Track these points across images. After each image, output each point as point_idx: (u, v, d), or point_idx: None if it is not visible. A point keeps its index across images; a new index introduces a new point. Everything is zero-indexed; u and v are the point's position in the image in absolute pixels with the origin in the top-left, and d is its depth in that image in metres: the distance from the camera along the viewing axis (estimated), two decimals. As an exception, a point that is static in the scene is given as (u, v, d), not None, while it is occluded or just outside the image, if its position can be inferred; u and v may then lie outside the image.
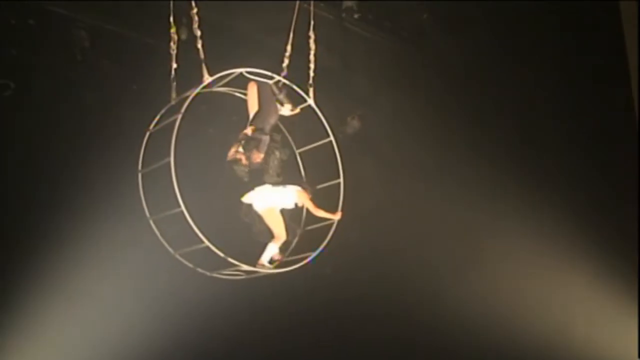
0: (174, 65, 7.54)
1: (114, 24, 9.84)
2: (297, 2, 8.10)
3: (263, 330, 10.73)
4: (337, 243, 8.03)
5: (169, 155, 6.98)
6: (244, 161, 7.55)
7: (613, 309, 10.97)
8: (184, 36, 7.87)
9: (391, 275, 11.33)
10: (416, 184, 11.51)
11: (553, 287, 11.21)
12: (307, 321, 10.98)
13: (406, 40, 11.22)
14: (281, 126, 8.08)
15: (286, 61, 7.85)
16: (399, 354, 11.53)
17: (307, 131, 8.29)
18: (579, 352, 11.01)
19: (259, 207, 7.73)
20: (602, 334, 10.97)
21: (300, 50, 7.98)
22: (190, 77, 7.53)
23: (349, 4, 10.52)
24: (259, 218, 7.77)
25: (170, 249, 7.61)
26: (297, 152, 8.36)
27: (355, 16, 10.69)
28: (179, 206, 7.00)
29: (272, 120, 7.76)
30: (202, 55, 7.41)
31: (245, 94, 7.91)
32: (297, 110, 7.97)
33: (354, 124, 11.24)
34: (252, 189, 7.74)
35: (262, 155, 7.58)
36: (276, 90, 7.79)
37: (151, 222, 7.66)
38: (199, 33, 7.46)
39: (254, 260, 7.75)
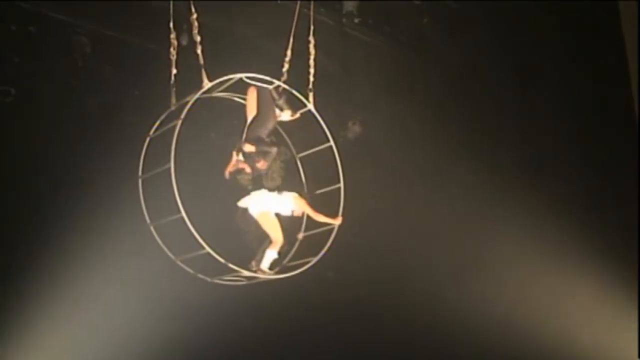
0: (174, 71, 7.53)
1: (114, 30, 9.86)
2: (297, 7, 8.10)
3: (265, 335, 10.73)
4: (339, 248, 8.02)
5: (169, 160, 6.99)
6: (247, 170, 7.58)
7: (613, 309, 10.96)
8: (184, 42, 7.88)
9: (393, 279, 11.32)
10: (417, 188, 11.51)
11: (553, 288, 11.20)
12: (309, 326, 10.98)
13: (406, 44, 11.23)
14: (281, 131, 8.09)
15: (286, 66, 7.84)
16: (401, 358, 11.52)
17: (307, 136, 8.29)
18: (579, 352, 11.00)
19: (254, 212, 7.74)
20: (602, 334, 10.95)
21: (300, 55, 7.98)
22: (190, 82, 7.54)
23: (350, 8, 10.51)
24: (255, 223, 7.76)
25: (171, 255, 7.60)
26: (297, 156, 8.35)
27: (356, 21, 10.69)
28: (180, 212, 7.00)
29: (270, 125, 7.76)
30: (201, 61, 7.41)
31: (245, 99, 7.93)
32: (297, 115, 7.97)
33: (354, 128, 11.25)
34: (249, 193, 7.75)
35: (267, 163, 7.59)
36: (276, 96, 7.79)
37: (152, 229, 7.65)
38: (198, 38, 7.46)
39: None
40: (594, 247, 10.88)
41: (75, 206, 9.75)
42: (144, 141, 7.74)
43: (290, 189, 7.87)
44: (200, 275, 7.64)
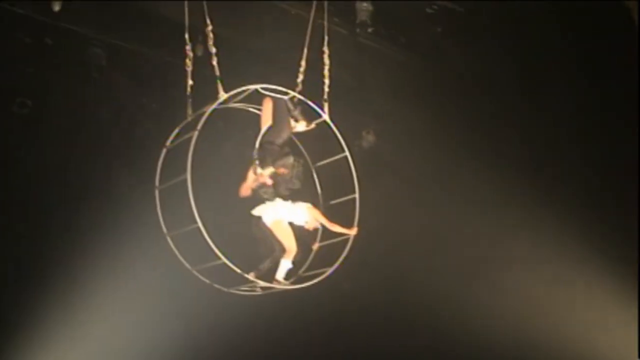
0: (190, 82, 7.57)
1: (129, 42, 9.92)
2: (311, 18, 8.12)
3: (280, 346, 10.73)
4: (354, 258, 8.02)
5: (185, 171, 7.01)
6: (268, 183, 7.61)
7: (613, 309, 10.88)
8: (199, 53, 7.92)
9: (409, 288, 11.29)
10: (432, 197, 11.48)
11: (553, 288, 11.14)
12: (324, 336, 10.97)
13: (420, 54, 11.22)
14: (296, 141, 8.10)
15: (301, 77, 7.87)
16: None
17: (322, 146, 8.30)
18: (579, 352, 10.93)
19: (267, 220, 7.75)
20: (602, 334, 10.88)
21: (315, 65, 8.00)
22: (205, 93, 7.57)
23: (363, 17, 10.50)
24: (269, 231, 7.77)
25: (187, 265, 7.62)
26: (312, 167, 8.36)
27: (369, 30, 10.69)
28: (196, 222, 7.02)
29: (285, 135, 7.77)
30: (217, 72, 7.45)
31: (260, 110, 7.95)
32: (312, 126, 7.98)
33: (368, 138, 11.25)
34: (263, 202, 7.76)
35: (287, 170, 7.63)
36: (291, 107, 7.81)
37: (168, 239, 7.68)
38: (214, 50, 7.50)
39: (270, 276, 7.74)
40: (594, 247, 10.81)
41: (92, 217, 9.81)
42: (161, 152, 7.77)
43: (305, 199, 7.88)
44: (216, 285, 7.64)
